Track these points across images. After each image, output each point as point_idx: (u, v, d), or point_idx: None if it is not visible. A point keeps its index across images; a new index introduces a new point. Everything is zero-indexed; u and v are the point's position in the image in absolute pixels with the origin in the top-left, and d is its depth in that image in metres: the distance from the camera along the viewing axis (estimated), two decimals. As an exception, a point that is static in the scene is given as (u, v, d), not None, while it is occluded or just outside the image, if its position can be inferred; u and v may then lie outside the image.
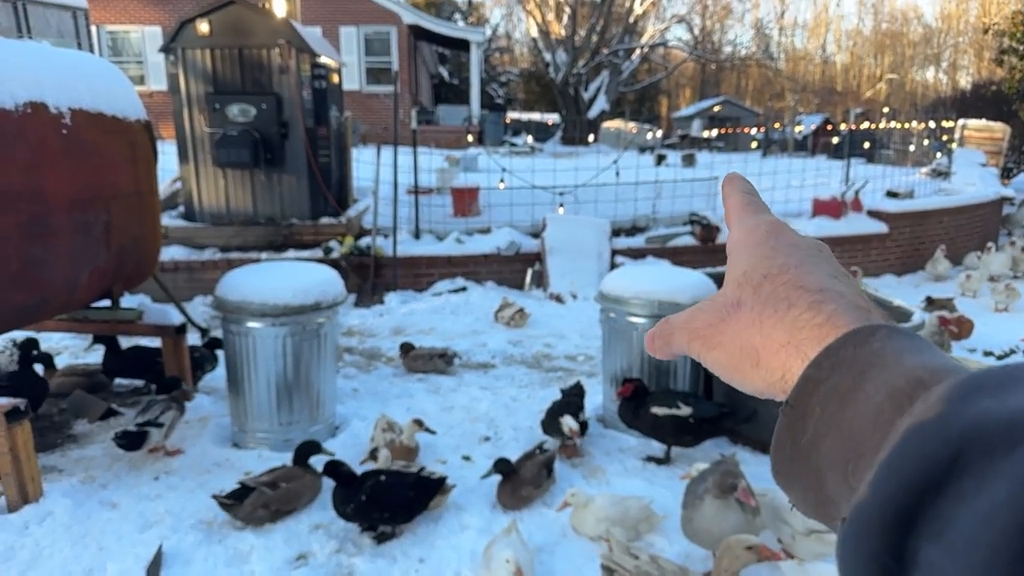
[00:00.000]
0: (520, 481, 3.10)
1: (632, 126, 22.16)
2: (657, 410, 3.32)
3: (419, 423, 3.56)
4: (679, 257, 7.30)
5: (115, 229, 3.65)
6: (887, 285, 8.03)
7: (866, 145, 12.45)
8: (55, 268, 3.32)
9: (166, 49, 6.24)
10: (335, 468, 2.86)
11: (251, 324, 3.46)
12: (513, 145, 17.74)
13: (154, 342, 4.27)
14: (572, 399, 3.69)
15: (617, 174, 7.60)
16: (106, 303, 3.92)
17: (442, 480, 2.99)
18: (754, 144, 18.30)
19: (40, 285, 3.26)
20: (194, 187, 6.60)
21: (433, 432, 3.64)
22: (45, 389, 3.76)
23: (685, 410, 3.36)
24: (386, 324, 6.10)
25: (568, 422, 3.31)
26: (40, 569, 2.65)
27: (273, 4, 7.35)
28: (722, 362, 0.42)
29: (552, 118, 27.65)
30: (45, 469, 3.31)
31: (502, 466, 3.10)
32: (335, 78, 7.29)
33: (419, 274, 7.04)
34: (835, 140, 13.15)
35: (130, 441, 3.29)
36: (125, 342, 4.42)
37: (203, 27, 6.13)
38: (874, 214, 8.52)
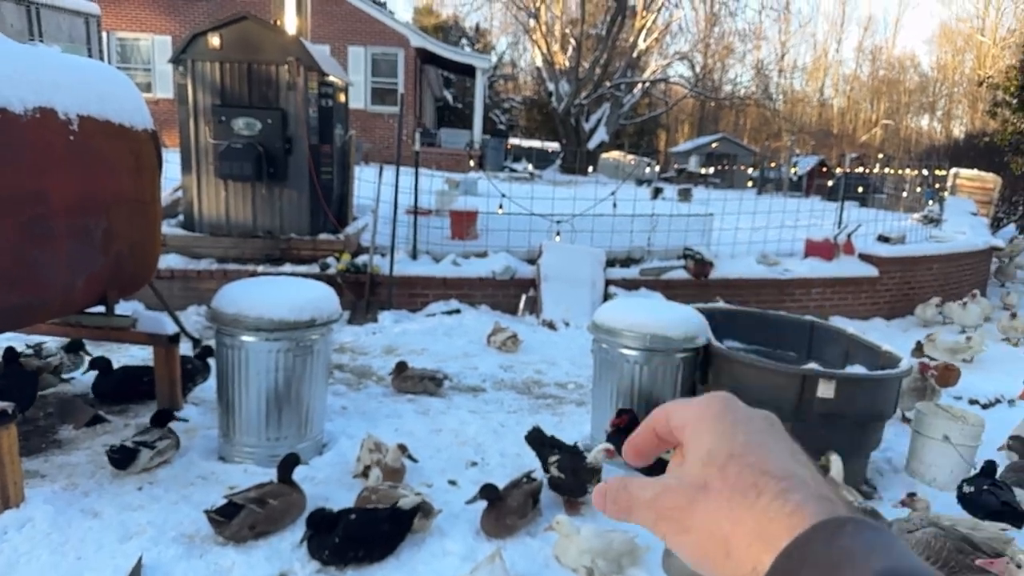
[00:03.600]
0: (505, 509, 3.10)
1: (630, 158, 22.40)
2: (645, 443, 3.32)
3: (403, 448, 3.55)
4: (672, 290, 7.35)
5: (114, 235, 3.66)
6: (875, 328, 8.09)
7: (860, 189, 12.62)
8: (52, 271, 3.32)
9: (176, 60, 6.30)
10: (318, 518, 2.82)
11: (245, 338, 3.46)
12: (513, 171, 17.89)
13: (142, 355, 4.27)
14: (541, 449, 3.52)
15: (614, 205, 7.68)
16: (100, 309, 3.91)
17: (415, 512, 2.97)
18: (750, 183, 18.52)
19: (36, 287, 3.26)
20: (195, 197, 6.62)
21: (416, 460, 3.62)
22: (34, 390, 3.74)
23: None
24: (378, 343, 6.10)
25: (600, 447, 3.27)
26: (16, 576, 2.62)
27: (284, 21, 7.46)
28: (692, 547, 0.42)
29: (552, 146, 27.92)
30: (28, 474, 3.28)
31: (488, 492, 3.10)
32: (341, 97, 7.37)
33: (414, 294, 7.06)
34: (830, 183, 13.33)
35: (122, 457, 3.27)
36: (116, 356, 4.44)
37: (214, 40, 6.21)
38: (865, 257, 8.62)
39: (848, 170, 10.80)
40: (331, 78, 6.94)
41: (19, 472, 2.99)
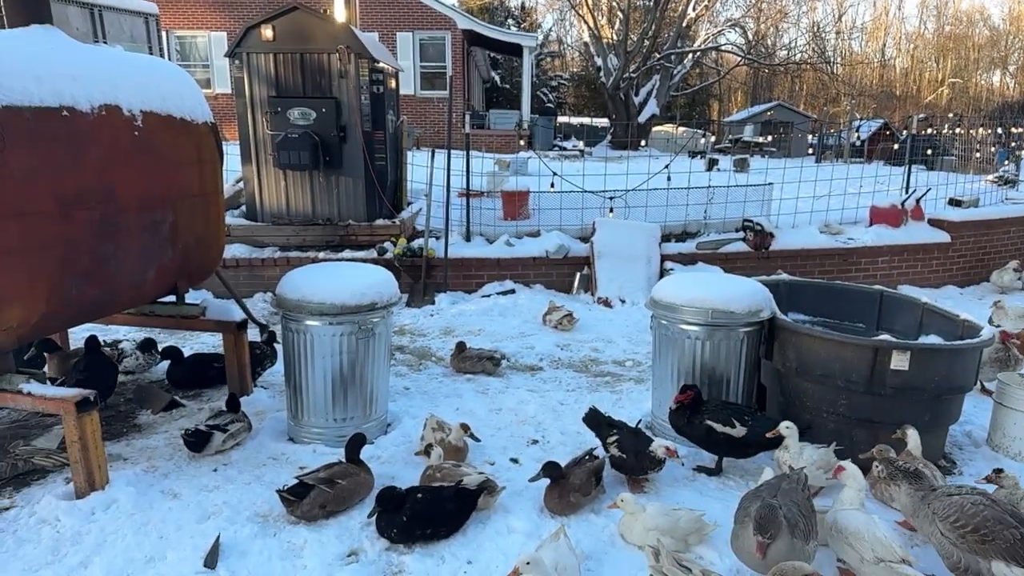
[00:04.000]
0: (568, 487, 3.09)
1: (682, 130, 21.90)
2: (712, 423, 3.26)
3: (466, 428, 3.59)
4: (731, 264, 7.18)
5: (181, 228, 3.79)
6: (949, 296, 7.72)
7: (928, 152, 11.98)
8: (124, 264, 3.46)
9: (232, 54, 6.44)
10: (387, 496, 2.88)
11: (309, 322, 3.54)
12: (563, 149, 17.71)
13: (213, 342, 4.42)
14: (600, 429, 3.50)
15: (668, 179, 7.51)
16: (171, 298, 4.07)
17: (480, 491, 3.00)
18: (810, 150, 17.83)
19: (110, 280, 3.40)
20: (256, 187, 6.80)
21: (478, 440, 3.66)
22: (115, 379, 3.92)
23: (740, 430, 3.30)
24: (436, 324, 6.17)
25: (663, 443, 3.23)
26: (104, 554, 2.76)
27: (333, 10, 7.52)
28: None
29: (601, 122, 27.52)
30: (111, 457, 3.45)
31: (551, 470, 3.10)
32: (392, 83, 7.41)
33: (469, 276, 7.10)
34: (895, 147, 12.69)
35: (197, 440, 3.41)
36: (188, 344, 4.61)
37: (267, 32, 6.32)
38: (936, 223, 8.21)
39: (915, 132, 10.26)
40: (381, 64, 6.98)
41: (103, 456, 3.14)
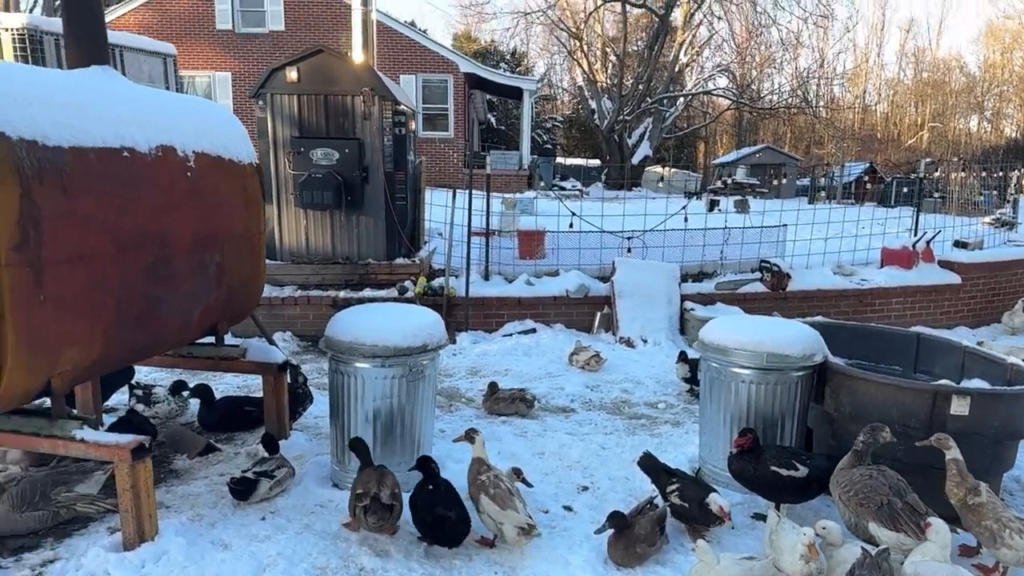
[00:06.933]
0: (634, 537, 3.02)
1: (673, 171, 22.26)
2: (777, 468, 3.22)
3: (518, 473, 3.50)
4: (749, 304, 7.20)
5: (226, 268, 3.74)
6: (961, 337, 7.76)
7: (935, 195, 12.22)
8: (173, 306, 3.39)
9: (256, 94, 6.48)
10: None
11: (359, 364, 3.48)
12: (562, 189, 17.90)
13: (236, 382, 4.32)
14: (658, 476, 3.41)
15: (686, 219, 7.59)
16: (209, 340, 3.99)
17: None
18: (806, 192, 18.16)
19: (158, 324, 3.33)
20: (276, 226, 6.77)
21: (531, 486, 3.57)
22: (153, 427, 3.82)
23: (802, 470, 3.25)
24: (461, 364, 6.10)
25: (718, 500, 3.15)
26: (160, 608, 2.64)
27: (352, 54, 7.61)
28: None
29: (594, 163, 27.90)
30: (154, 505, 3.32)
31: (616, 521, 3.03)
32: (412, 124, 7.47)
33: (489, 315, 7.06)
34: (905, 189, 12.92)
35: (244, 488, 3.31)
36: (212, 383, 4.51)
37: (292, 74, 6.37)
38: (946, 264, 8.32)
39: (924, 175, 10.48)
40: (403, 107, 7.04)
41: (154, 505, 3.03)
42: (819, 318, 5.26)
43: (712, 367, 3.80)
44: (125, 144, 3.05)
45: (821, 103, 37.87)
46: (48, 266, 2.62)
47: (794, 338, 3.61)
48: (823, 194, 18.11)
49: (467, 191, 7.31)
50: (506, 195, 12.51)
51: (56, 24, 7.35)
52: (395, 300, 6.58)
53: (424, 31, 22.99)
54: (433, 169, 17.67)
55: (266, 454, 3.61)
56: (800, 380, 3.63)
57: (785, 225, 7.86)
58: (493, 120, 28.08)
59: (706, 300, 7.20)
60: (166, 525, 3.13)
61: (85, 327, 2.86)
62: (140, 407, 4.35)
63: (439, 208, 7.52)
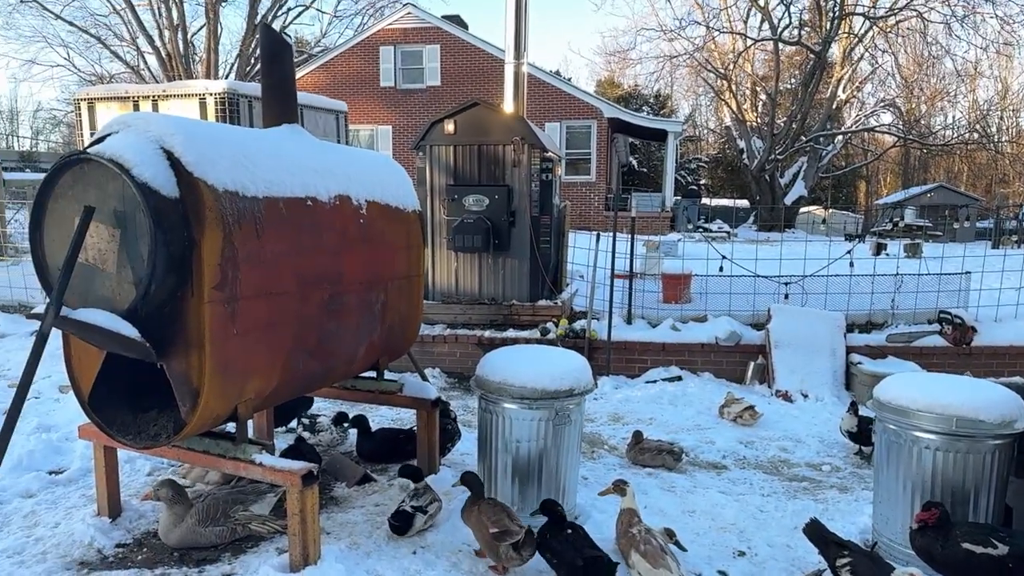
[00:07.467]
0: (802, 610, 2.77)
1: (831, 212, 20.94)
2: (970, 547, 2.83)
3: (671, 534, 3.36)
4: (927, 359, 6.51)
5: (390, 307, 3.96)
6: None
7: None
8: (343, 341, 3.64)
9: (417, 146, 6.93)
10: None
11: (507, 405, 3.52)
12: (707, 231, 17.40)
13: (390, 415, 4.50)
14: (826, 548, 3.08)
15: (851, 264, 7.06)
16: (371, 374, 4.23)
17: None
18: (989, 235, 16.33)
19: (330, 356, 3.59)
20: (430, 268, 7.12)
21: (684, 549, 3.41)
22: (319, 455, 4.08)
23: (1001, 548, 2.84)
24: (603, 409, 6.00)
25: (905, 572, 2.82)
26: (320, 632, 2.76)
27: (503, 105, 7.94)
28: None
29: (741, 204, 26.93)
30: (317, 530, 3.52)
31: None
32: (558, 170, 7.63)
33: (632, 360, 6.93)
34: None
35: (402, 524, 3.44)
36: (369, 415, 4.76)
37: (449, 127, 6.75)
38: None
39: None
40: (550, 153, 7.22)
41: (318, 530, 3.21)
42: (1019, 379, 4.64)
43: (890, 429, 3.44)
44: (309, 194, 3.36)
45: (1004, 137, 34.17)
46: (241, 303, 2.92)
47: (989, 401, 3.20)
48: (1014, 238, 16.16)
49: (611, 234, 7.31)
50: (649, 237, 12.35)
51: (249, 88, 8.35)
52: (537, 341, 6.64)
53: (568, 79, 23.58)
54: (574, 212, 17.91)
55: (416, 485, 3.73)
56: (997, 450, 3.20)
57: (968, 272, 7.08)
58: (635, 162, 28.03)
59: (875, 353, 6.60)
60: (327, 551, 3.30)
61: (267, 359, 3.14)
62: (306, 435, 4.68)
63: (580, 251, 7.56)
